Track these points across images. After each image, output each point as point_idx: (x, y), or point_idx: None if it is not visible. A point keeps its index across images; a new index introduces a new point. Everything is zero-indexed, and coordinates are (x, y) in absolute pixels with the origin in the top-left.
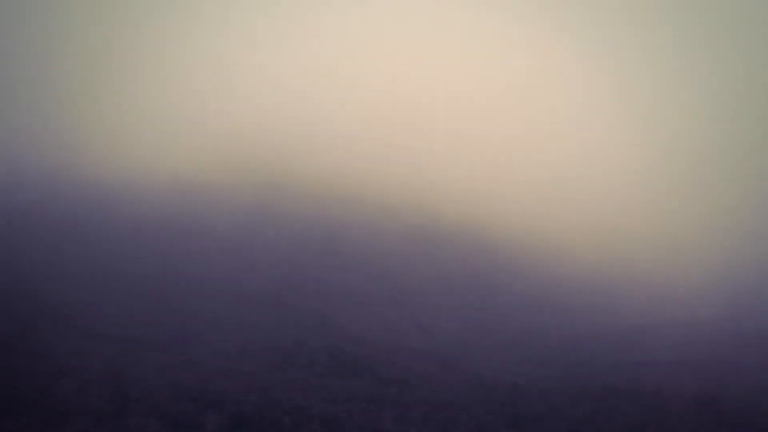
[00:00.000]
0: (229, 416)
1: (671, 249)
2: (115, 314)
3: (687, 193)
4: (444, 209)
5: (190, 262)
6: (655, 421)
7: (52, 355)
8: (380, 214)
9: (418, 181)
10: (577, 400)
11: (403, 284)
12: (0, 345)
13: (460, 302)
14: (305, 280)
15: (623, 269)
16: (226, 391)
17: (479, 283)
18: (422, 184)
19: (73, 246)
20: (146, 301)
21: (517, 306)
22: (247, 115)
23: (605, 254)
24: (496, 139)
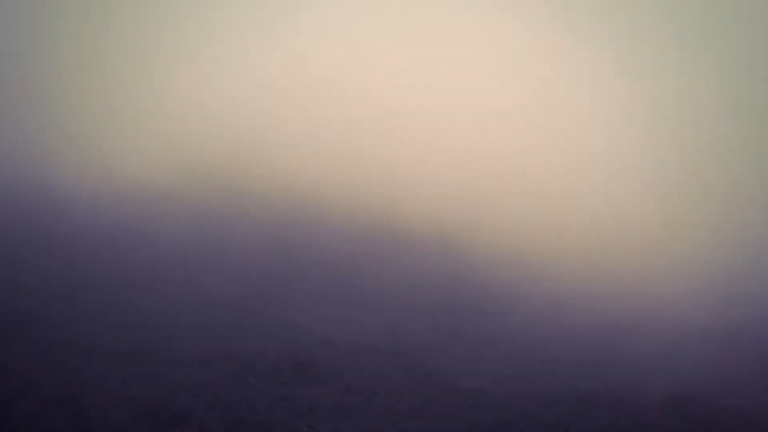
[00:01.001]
0: None
1: (660, 252)
2: (77, 324)
3: (683, 196)
4: (412, 212)
5: (153, 267)
6: (629, 428)
7: (10, 373)
8: (345, 217)
9: (386, 184)
10: (548, 405)
11: (369, 286)
12: None
13: (428, 303)
14: (270, 285)
15: (603, 271)
16: (189, 407)
17: (447, 285)
18: (390, 186)
19: (32, 253)
20: (109, 309)
21: (487, 307)
22: (209, 117)
23: (587, 257)
24: (471, 143)
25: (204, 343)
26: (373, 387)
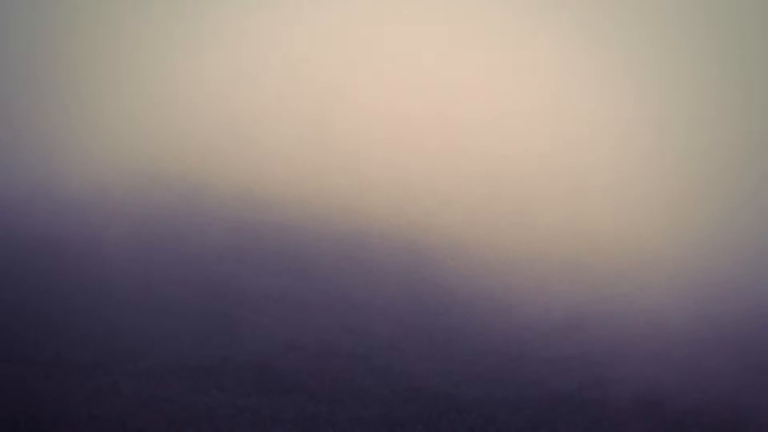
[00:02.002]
0: None
1: (637, 251)
2: (38, 335)
3: (673, 196)
4: (376, 212)
5: (109, 275)
6: (601, 430)
7: None
8: (308, 219)
9: (349, 186)
10: (518, 408)
11: (331, 287)
12: None
13: (391, 305)
14: (231, 289)
15: (575, 268)
16: (148, 425)
17: (410, 285)
18: (353, 187)
19: None
20: (63, 320)
21: (452, 308)
22: (167, 118)
23: (557, 255)
24: (434, 143)
25: (166, 353)
26: (337, 394)
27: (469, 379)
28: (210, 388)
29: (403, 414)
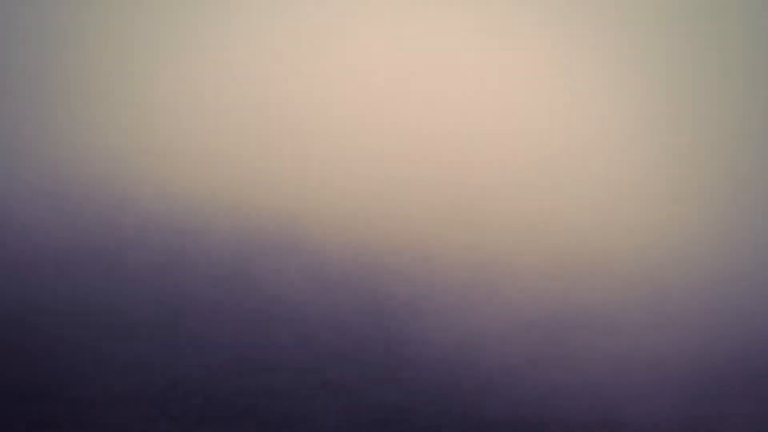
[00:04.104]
0: None
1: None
2: None
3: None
4: (324, 218)
5: (46, 290)
6: None
7: None
8: (251, 225)
9: (289, 188)
10: (474, 427)
11: (276, 295)
12: None
13: (341, 313)
14: (175, 304)
15: (535, 275)
16: None
17: (360, 292)
18: (294, 190)
19: None
20: (21, 337)
21: (400, 315)
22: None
23: (521, 260)
24: (383, 146)
25: (110, 376)
26: (290, 417)
27: (421, 390)
28: (156, 419)
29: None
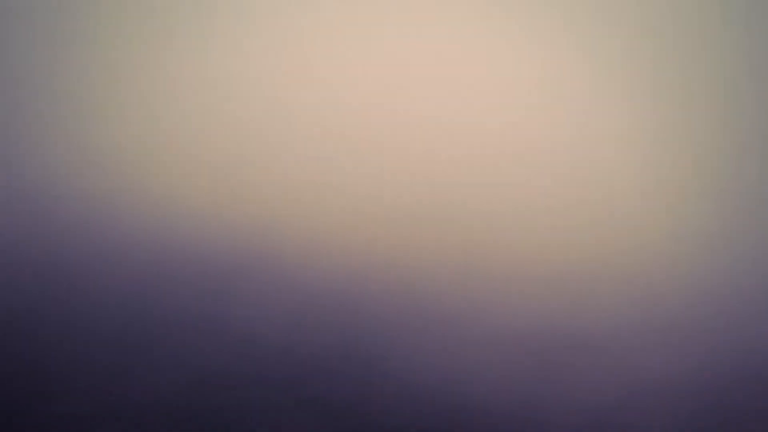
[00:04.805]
0: None
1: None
2: None
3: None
4: (298, 226)
5: (25, 293)
6: None
7: None
8: (227, 233)
9: (261, 191)
10: None
11: (255, 308)
12: None
13: (320, 323)
14: (145, 316)
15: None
16: None
17: (339, 298)
18: (270, 195)
19: None
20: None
21: (376, 324)
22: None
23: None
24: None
25: (84, 392)
26: (264, 427)
27: (405, 402)
28: None
29: None
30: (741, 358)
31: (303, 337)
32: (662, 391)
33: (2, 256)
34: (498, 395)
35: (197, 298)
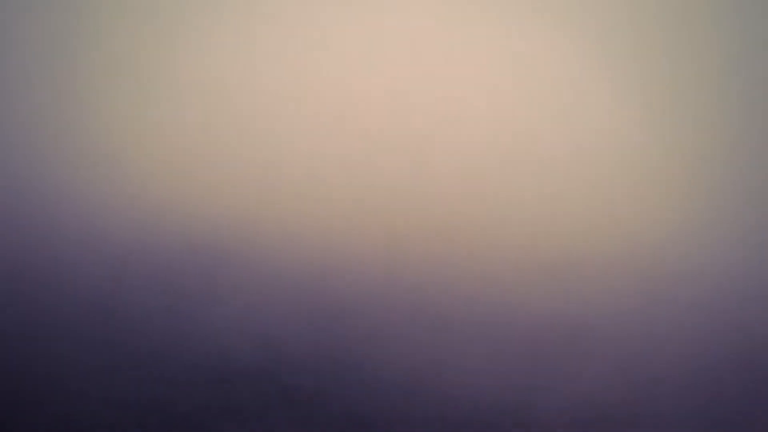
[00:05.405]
0: None
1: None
2: None
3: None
4: (279, 221)
5: None
6: None
7: None
8: (205, 228)
9: (243, 183)
10: None
11: (233, 303)
12: None
13: (301, 312)
14: (127, 302)
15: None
16: None
17: (319, 289)
18: (248, 186)
19: None
20: None
21: (356, 318)
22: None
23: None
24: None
25: (52, 397)
26: (247, 421)
27: (381, 396)
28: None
29: None
30: (740, 352)
31: (286, 330)
32: (663, 386)
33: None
34: (493, 391)
35: (179, 296)
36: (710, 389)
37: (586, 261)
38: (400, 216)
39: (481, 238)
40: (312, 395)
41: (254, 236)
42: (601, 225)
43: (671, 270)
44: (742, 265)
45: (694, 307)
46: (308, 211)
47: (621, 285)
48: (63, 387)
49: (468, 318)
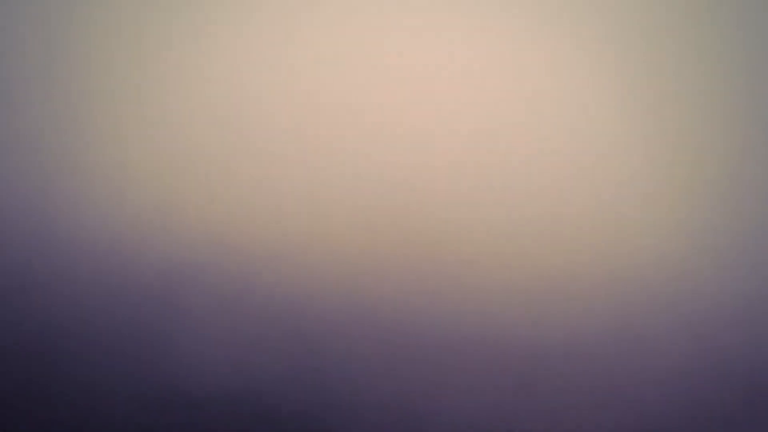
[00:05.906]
0: None
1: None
2: None
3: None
4: (261, 229)
5: None
6: None
7: None
8: (180, 243)
9: (225, 198)
10: None
11: (209, 314)
12: None
13: (278, 336)
14: (97, 324)
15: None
16: None
17: (298, 311)
18: (231, 201)
19: None
20: None
21: (339, 339)
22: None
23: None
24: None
25: (31, 412)
26: None
27: (363, 417)
28: None
29: None
30: (741, 359)
31: (260, 347)
32: (662, 392)
33: None
34: (478, 413)
35: (154, 314)
36: (714, 425)
37: (589, 272)
38: (384, 238)
39: (477, 252)
40: (291, 418)
41: (231, 256)
42: (605, 235)
43: (674, 288)
44: (753, 276)
45: (695, 335)
46: (289, 231)
47: (622, 301)
48: (35, 410)
49: (456, 337)
